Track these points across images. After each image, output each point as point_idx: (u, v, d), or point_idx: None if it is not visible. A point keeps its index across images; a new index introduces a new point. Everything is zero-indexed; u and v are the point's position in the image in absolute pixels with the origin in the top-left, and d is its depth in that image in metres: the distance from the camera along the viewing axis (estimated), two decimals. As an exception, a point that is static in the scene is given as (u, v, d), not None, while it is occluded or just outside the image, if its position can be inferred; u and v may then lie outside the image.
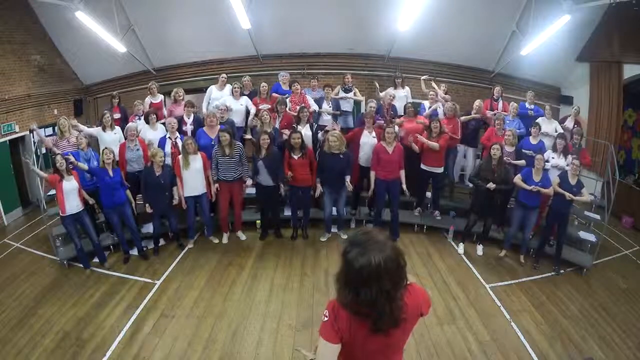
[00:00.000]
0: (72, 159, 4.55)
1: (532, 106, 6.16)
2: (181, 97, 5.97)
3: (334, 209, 5.35)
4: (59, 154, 4.58)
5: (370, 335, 1.31)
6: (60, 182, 4.43)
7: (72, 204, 4.49)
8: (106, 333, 3.73)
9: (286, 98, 5.89)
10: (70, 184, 4.46)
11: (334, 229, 5.62)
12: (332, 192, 5.12)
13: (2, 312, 4.07)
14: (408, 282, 1.34)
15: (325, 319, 1.38)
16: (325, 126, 5.93)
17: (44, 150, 7.15)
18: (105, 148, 4.69)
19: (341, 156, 4.86)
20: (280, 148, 5.45)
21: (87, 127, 5.63)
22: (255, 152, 5.02)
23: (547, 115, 5.78)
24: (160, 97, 6.23)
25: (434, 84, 6.41)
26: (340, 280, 1.29)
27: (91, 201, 4.72)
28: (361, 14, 7.04)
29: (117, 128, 5.43)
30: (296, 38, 7.67)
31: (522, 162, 5.19)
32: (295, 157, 4.99)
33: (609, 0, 5.23)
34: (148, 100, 6.15)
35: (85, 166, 4.66)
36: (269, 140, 4.91)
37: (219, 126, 5.24)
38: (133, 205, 4.94)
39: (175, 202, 5.01)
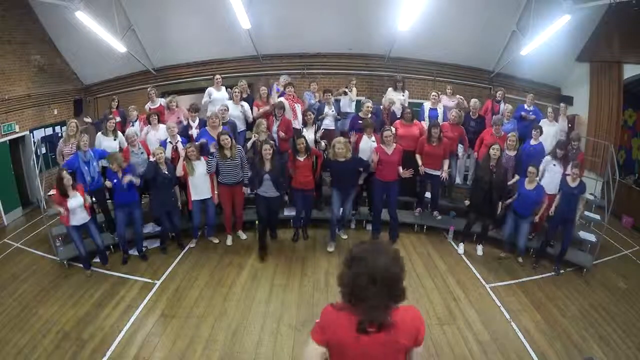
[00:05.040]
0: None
1: (532, 108, 6.16)
2: (175, 105, 5.94)
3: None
4: (64, 170, 4.46)
5: (357, 338, 1.34)
6: (65, 200, 4.32)
7: (78, 217, 4.44)
8: (106, 333, 3.73)
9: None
10: (76, 200, 4.38)
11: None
12: (341, 194, 5.07)
13: (2, 312, 4.07)
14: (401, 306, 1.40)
15: (318, 320, 1.45)
16: (330, 130, 5.95)
17: (44, 151, 7.17)
18: (116, 152, 4.70)
19: (346, 162, 4.82)
20: (278, 151, 5.45)
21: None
22: (258, 164, 4.83)
23: (549, 117, 5.76)
24: (159, 102, 6.19)
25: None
26: (344, 266, 1.41)
27: (88, 202, 4.58)
28: (361, 14, 7.04)
29: (120, 135, 5.38)
30: (296, 38, 7.67)
31: (516, 178, 5.14)
32: (301, 158, 4.98)
33: (609, 0, 5.23)
34: (147, 107, 6.10)
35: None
36: (271, 151, 4.75)
37: (221, 127, 5.23)
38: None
39: (179, 205, 5.07)
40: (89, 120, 6.54)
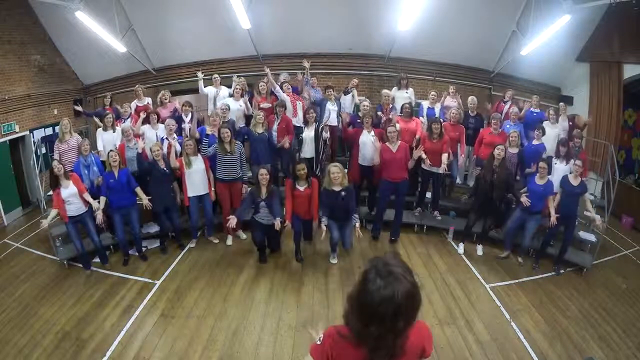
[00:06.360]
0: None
1: (538, 110, 6.16)
2: (167, 100, 6.00)
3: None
4: (55, 159, 4.61)
5: None
6: (57, 189, 4.38)
7: (73, 207, 4.47)
8: (106, 333, 3.73)
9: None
10: (69, 190, 4.43)
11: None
12: (337, 223, 4.71)
13: (2, 312, 4.07)
14: None
15: (319, 342, 1.36)
16: (333, 126, 5.99)
17: (43, 151, 7.17)
18: (111, 150, 4.73)
19: (343, 193, 4.46)
20: (276, 150, 5.49)
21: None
22: (255, 190, 4.65)
23: (550, 119, 5.76)
24: (146, 100, 6.25)
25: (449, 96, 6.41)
26: (354, 305, 1.21)
27: (95, 205, 4.56)
28: (361, 14, 7.05)
29: (118, 128, 5.47)
30: (296, 38, 7.68)
31: (530, 169, 5.16)
32: (301, 188, 4.60)
33: (609, 0, 5.23)
34: (134, 104, 6.16)
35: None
36: (268, 176, 4.56)
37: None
38: (145, 201, 4.76)
39: (179, 202, 5.10)
40: (79, 108, 6.62)
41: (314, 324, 1.66)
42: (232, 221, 4.48)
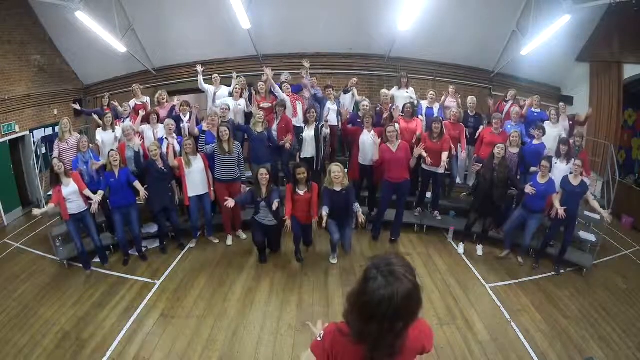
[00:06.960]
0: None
1: (538, 110, 6.15)
2: (164, 100, 6.01)
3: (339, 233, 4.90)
4: (55, 157, 4.64)
5: None
6: (59, 187, 4.42)
7: (73, 205, 4.49)
8: (106, 333, 3.73)
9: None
10: (70, 188, 4.46)
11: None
12: (337, 223, 4.71)
13: (2, 312, 4.08)
14: None
15: (319, 339, 1.37)
16: (333, 125, 6.00)
17: (43, 150, 7.18)
18: (111, 150, 4.74)
19: (344, 192, 4.48)
20: (277, 148, 5.48)
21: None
22: (255, 191, 4.68)
23: (552, 119, 5.75)
24: (145, 99, 6.27)
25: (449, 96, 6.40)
26: (354, 304, 1.21)
27: (96, 199, 4.53)
28: (361, 14, 7.05)
29: (118, 128, 5.47)
30: (296, 38, 7.68)
31: (534, 169, 5.16)
32: (301, 192, 4.56)
33: (609, 0, 5.23)
34: (132, 102, 6.17)
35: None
36: (268, 176, 4.62)
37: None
38: (142, 192, 4.70)
39: (177, 201, 5.10)
40: (77, 107, 6.65)
41: (314, 322, 1.66)
42: (230, 202, 4.50)
